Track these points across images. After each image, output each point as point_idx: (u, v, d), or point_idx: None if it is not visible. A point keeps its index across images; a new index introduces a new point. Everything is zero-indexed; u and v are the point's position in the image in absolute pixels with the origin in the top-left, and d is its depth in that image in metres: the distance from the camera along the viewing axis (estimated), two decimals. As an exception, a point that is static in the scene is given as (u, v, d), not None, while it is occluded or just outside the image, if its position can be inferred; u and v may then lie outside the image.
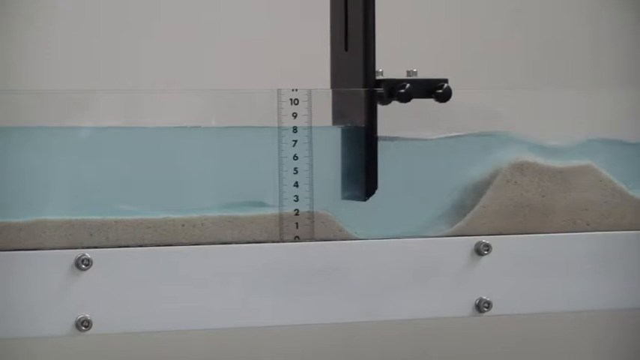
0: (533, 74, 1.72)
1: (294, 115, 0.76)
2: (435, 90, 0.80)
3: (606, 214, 0.86)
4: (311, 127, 0.78)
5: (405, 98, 0.79)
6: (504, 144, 0.85)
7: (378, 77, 0.80)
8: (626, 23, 1.81)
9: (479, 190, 0.83)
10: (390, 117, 0.82)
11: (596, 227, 0.84)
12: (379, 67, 0.80)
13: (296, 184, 0.75)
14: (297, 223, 0.76)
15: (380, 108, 0.80)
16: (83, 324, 0.67)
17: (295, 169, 0.77)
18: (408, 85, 0.79)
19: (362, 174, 0.80)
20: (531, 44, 1.78)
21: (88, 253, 0.68)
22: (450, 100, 0.81)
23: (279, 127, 0.77)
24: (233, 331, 0.89)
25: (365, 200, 0.78)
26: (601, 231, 0.84)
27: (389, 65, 0.85)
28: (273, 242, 0.73)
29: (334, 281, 0.76)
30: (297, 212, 0.76)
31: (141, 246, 0.71)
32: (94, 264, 0.68)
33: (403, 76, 0.80)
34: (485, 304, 0.77)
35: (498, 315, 0.80)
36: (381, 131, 0.80)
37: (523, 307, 0.81)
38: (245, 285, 0.73)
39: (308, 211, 0.77)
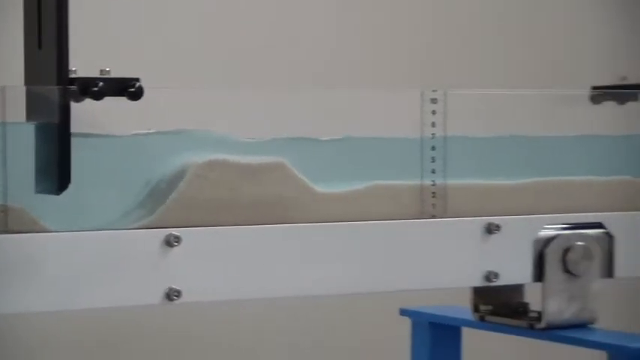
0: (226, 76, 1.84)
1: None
2: (128, 88, 0.81)
3: (295, 208, 0.91)
4: (5, 122, 0.79)
5: (98, 96, 0.79)
6: (197, 141, 0.88)
7: (72, 75, 0.80)
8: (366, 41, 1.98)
9: (171, 184, 0.85)
10: (87, 114, 0.82)
11: (284, 221, 0.88)
12: (73, 65, 0.80)
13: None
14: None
15: (77, 105, 0.81)
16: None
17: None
18: (101, 83, 0.79)
19: (55, 168, 0.80)
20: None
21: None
22: (146, 98, 0.82)
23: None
24: None
25: (58, 194, 0.79)
26: (291, 223, 0.88)
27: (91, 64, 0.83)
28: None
29: (28, 273, 0.76)
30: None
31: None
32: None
33: (96, 74, 0.81)
34: (176, 293, 0.78)
35: (188, 302, 0.80)
36: (77, 128, 0.81)
37: (213, 295, 0.85)
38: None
39: (2, 204, 0.78)
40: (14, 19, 1.29)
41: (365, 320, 1.67)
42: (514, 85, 1.18)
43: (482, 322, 1.08)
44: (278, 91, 1.09)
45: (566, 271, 0.98)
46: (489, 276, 0.97)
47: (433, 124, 0.98)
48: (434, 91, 0.98)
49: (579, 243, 0.99)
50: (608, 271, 1.02)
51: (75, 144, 0.81)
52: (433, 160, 0.98)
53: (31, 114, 0.83)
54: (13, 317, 1.06)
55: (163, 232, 0.81)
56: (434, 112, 0.98)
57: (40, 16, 0.83)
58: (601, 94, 1.06)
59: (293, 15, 2.01)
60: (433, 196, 0.97)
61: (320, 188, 0.92)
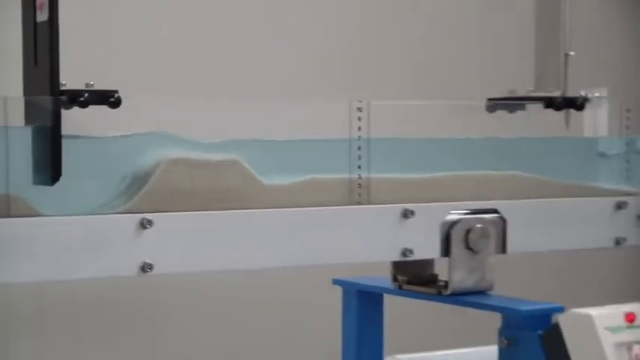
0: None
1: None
2: (109, 98, 0.90)
3: (246, 197, 0.99)
4: (7, 127, 0.86)
5: (83, 105, 0.88)
6: (166, 142, 0.95)
7: (62, 88, 0.88)
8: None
9: (145, 178, 0.92)
10: (75, 120, 0.89)
11: (238, 207, 0.96)
12: (63, 79, 0.88)
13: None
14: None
15: (67, 112, 0.89)
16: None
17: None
18: (86, 94, 0.88)
19: (49, 164, 0.87)
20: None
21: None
22: (123, 106, 0.90)
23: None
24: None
25: (52, 185, 0.86)
26: (243, 209, 0.97)
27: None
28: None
29: (26, 250, 0.84)
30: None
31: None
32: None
33: (83, 87, 0.89)
34: (149, 267, 0.87)
35: (159, 274, 0.89)
36: (67, 131, 0.88)
37: (179, 268, 0.93)
38: None
39: (4, 194, 0.86)
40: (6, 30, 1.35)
41: (304, 289, 1.64)
42: (433, 95, 1.25)
43: (399, 290, 1.14)
44: (236, 101, 1.12)
45: (468, 248, 1.06)
46: (405, 252, 1.04)
47: (359, 129, 1.04)
48: (359, 101, 1.05)
49: (478, 225, 1.07)
50: (502, 248, 1.10)
51: (65, 144, 0.87)
52: (359, 158, 1.05)
53: (28, 119, 0.89)
54: (12, 286, 1.06)
55: (138, 217, 0.88)
56: (359, 119, 1.05)
57: (36, 39, 0.89)
58: (491, 104, 1.16)
59: (247, 32, 2.01)
60: (359, 187, 1.05)
61: (267, 181, 1.00)
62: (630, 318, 0.98)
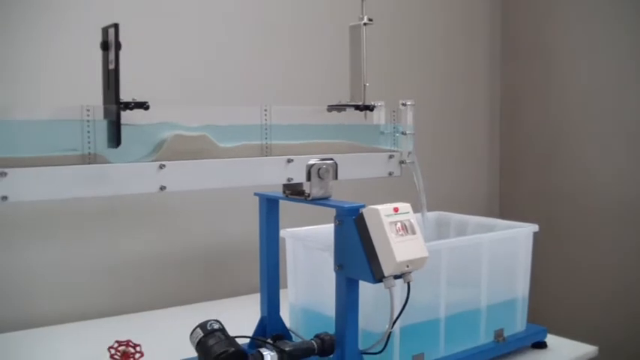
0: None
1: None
2: (143, 105, 1.00)
3: (209, 153, 1.10)
4: (95, 120, 0.97)
5: (131, 109, 1.00)
6: (169, 127, 1.09)
7: (121, 101, 1.00)
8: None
9: (160, 145, 1.07)
10: (127, 116, 0.99)
11: (205, 158, 1.09)
12: (122, 97, 1.00)
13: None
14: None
15: (123, 113, 0.99)
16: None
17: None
18: (132, 104, 1.00)
19: (114, 137, 0.99)
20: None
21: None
22: (151, 109, 1.00)
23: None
24: None
25: (116, 148, 0.99)
26: (207, 159, 1.09)
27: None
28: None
29: (94, 182, 0.97)
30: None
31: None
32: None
33: (130, 100, 1.00)
34: (164, 187, 1.04)
35: (169, 191, 1.05)
36: (123, 121, 0.98)
37: (180, 187, 1.04)
38: None
39: (93, 153, 0.98)
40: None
41: (239, 199, 1.68)
42: (307, 101, 1.32)
43: (287, 198, 1.27)
44: (208, 106, 1.19)
45: (319, 177, 1.22)
46: (289, 179, 1.20)
47: (266, 119, 1.19)
48: (265, 107, 1.19)
49: (324, 166, 1.22)
50: (335, 176, 1.24)
51: (123, 128, 1.02)
52: (266, 133, 1.19)
53: (105, 115, 1.02)
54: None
55: (158, 163, 1.05)
56: (266, 112, 1.19)
57: (109, 77, 1.01)
58: (329, 108, 1.31)
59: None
60: (266, 148, 1.19)
61: (222, 145, 1.14)
62: (396, 210, 1.10)
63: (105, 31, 1.00)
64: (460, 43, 2.88)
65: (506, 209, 3.03)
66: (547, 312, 2.33)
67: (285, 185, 1.26)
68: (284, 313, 1.38)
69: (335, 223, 1.13)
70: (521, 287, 1.57)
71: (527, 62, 2.92)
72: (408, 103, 1.32)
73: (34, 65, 1.72)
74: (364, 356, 1.17)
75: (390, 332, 1.12)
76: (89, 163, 0.99)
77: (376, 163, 1.33)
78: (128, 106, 1.02)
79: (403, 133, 1.34)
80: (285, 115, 1.21)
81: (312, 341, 1.18)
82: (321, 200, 1.21)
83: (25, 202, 0.93)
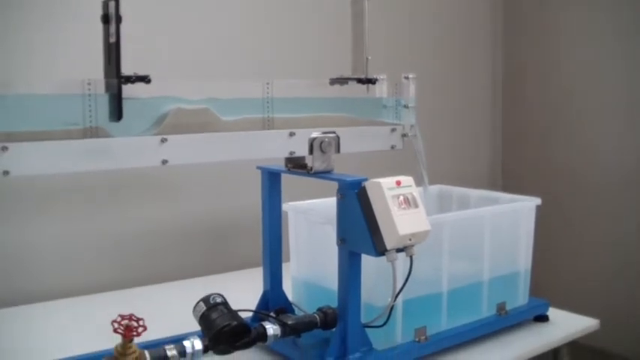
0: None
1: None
2: (145, 79, 1.00)
3: (212, 127, 1.11)
4: (96, 94, 0.98)
5: (132, 82, 0.99)
6: (171, 100, 1.09)
7: (122, 74, 1.00)
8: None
9: (162, 118, 1.08)
10: (128, 89, 1.00)
11: (209, 131, 1.10)
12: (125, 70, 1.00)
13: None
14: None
15: (125, 86, 0.99)
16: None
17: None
18: (133, 77, 1.00)
19: (116, 111, 0.99)
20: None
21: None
22: (152, 84, 1.00)
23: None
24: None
25: (118, 122, 0.99)
26: (211, 132, 1.11)
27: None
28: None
29: (96, 156, 1.01)
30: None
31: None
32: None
33: (132, 74, 1.00)
34: (166, 161, 1.03)
35: (171, 165, 1.05)
36: (125, 95, 0.99)
37: (182, 160, 1.05)
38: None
39: (95, 126, 1.00)
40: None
41: (242, 172, 1.59)
42: (310, 75, 1.30)
43: (289, 171, 1.28)
44: (211, 80, 1.14)
45: (322, 150, 1.22)
46: (291, 153, 1.22)
47: (268, 92, 1.20)
48: (267, 81, 1.20)
49: (326, 139, 1.23)
50: (338, 150, 1.25)
51: (124, 102, 1.01)
52: (268, 106, 1.20)
53: (107, 89, 1.02)
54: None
55: (160, 137, 1.06)
56: (268, 86, 1.20)
57: (109, 51, 1.02)
58: (331, 81, 1.32)
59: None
60: (268, 121, 1.20)
61: (224, 118, 1.15)
62: (398, 183, 1.11)
63: (105, 4, 1.00)
64: (462, 16, 2.88)
65: (509, 183, 3.04)
66: (549, 285, 2.34)
67: (287, 159, 1.26)
68: (286, 286, 1.39)
69: (337, 196, 1.14)
70: (523, 261, 1.57)
71: (530, 36, 2.93)
72: (410, 76, 1.32)
73: (39, 41, 1.73)
74: (367, 329, 1.18)
75: (393, 305, 1.13)
76: (91, 137, 0.99)
77: (378, 136, 1.33)
78: (129, 79, 1.02)
79: (405, 107, 1.34)
80: (287, 89, 1.21)
81: (315, 315, 1.19)
82: (324, 174, 1.21)
83: (27, 176, 0.93)
